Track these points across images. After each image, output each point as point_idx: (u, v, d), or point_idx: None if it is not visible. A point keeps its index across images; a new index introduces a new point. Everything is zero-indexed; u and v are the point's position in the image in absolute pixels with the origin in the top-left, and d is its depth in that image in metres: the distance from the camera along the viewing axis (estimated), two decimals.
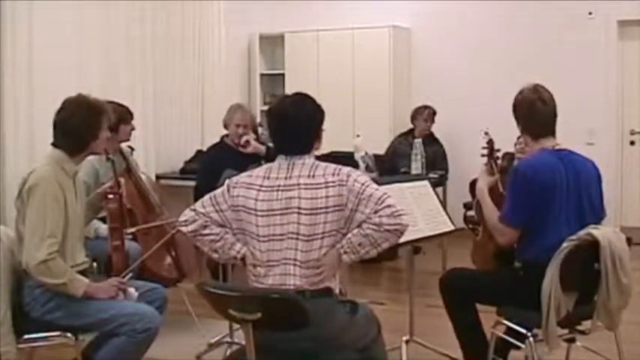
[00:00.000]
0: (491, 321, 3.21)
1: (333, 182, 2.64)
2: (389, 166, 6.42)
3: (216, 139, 4.91)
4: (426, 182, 3.88)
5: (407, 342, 3.89)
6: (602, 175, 3.26)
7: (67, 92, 3.26)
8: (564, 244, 2.92)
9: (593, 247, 2.94)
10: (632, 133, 6.94)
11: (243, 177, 2.77)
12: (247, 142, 4.63)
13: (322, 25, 7.64)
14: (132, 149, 4.51)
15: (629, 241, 3.09)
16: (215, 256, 2.80)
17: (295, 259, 2.62)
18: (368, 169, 5.80)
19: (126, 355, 2.98)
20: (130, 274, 3.38)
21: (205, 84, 6.84)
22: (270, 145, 3.85)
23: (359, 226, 2.62)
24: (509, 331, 3.17)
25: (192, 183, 5.05)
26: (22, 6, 4.91)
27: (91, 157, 3.66)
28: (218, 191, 2.79)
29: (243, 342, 2.54)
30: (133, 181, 4.19)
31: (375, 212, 2.59)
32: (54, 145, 3.13)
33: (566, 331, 3.10)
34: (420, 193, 3.73)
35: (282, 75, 7.91)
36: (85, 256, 3.24)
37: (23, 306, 3.04)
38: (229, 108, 4.82)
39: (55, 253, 2.94)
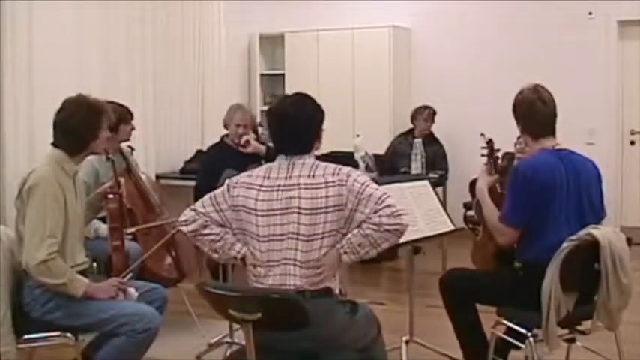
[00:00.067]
0: (491, 321, 3.21)
1: (333, 182, 2.64)
2: (389, 166, 6.42)
3: (216, 139, 4.91)
4: (426, 182, 3.88)
5: (407, 342, 3.89)
6: (602, 175, 3.26)
7: (67, 92, 3.26)
8: (564, 244, 2.92)
9: (593, 247, 2.94)
10: (632, 133, 6.94)
11: (243, 177, 2.77)
12: (247, 142, 4.63)
13: (322, 25, 7.64)
14: (132, 149, 4.51)
15: (629, 241, 3.09)
16: (215, 256, 2.80)
17: (295, 259, 2.62)
18: (368, 169, 5.80)
19: (126, 355, 2.98)
20: (130, 274, 3.38)
21: (205, 84, 6.84)
22: (270, 145, 3.85)
23: (359, 226, 2.62)
24: (509, 331, 3.17)
25: (192, 183, 5.04)
26: (22, 6, 4.91)
27: (91, 157, 3.66)
28: (218, 191, 2.79)
29: (243, 342, 2.54)
30: (133, 181, 4.19)
31: (375, 212, 2.59)
32: (54, 145, 3.13)
33: (566, 331, 3.10)
34: (420, 193, 3.73)
35: (282, 75, 7.91)
36: (85, 256, 3.24)
37: (23, 306, 3.04)
38: (229, 108, 4.82)
39: (55, 253, 2.94)
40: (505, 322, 3.14)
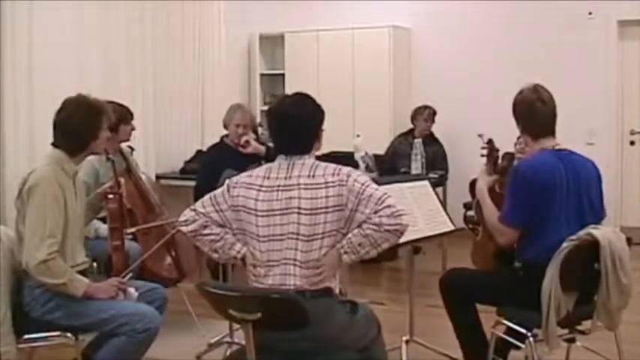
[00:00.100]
0: (491, 321, 3.21)
1: (333, 182, 2.64)
2: (389, 166, 6.42)
3: (216, 139, 4.91)
4: (426, 182, 3.88)
5: (407, 342, 3.89)
6: (602, 175, 3.26)
7: (67, 92, 3.26)
8: (564, 244, 2.92)
9: (593, 247, 2.94)
10: (632, 133, 6.94)
11: (243, 177, 2.77)
12: (247, 142, 4.63)
13: (322, 25, 7.63)
14: (132, 149, 4.51)
15: (629, 241, 3.09)
16: (215, 256, 2.80)
17: (295, 259, 2.62)
18: (368, 169, 5.80)
19: (126, 355, 2.98)
20: (130, 274, 3.38)
21: (205, 84, 6.84)
22: (270, 145, 3.85)
23: (359, 226, 2.62)
24: (509, 331, 3.17)
25: (192, 183, 5.05)
26: (22, 6, 4.91)
27: (91, 157, 3.66)
28: (218, 191, 2.79)
29: (243, 342, 2.54)
30: (133, 181, 4.19)
31: (375, 212, 2.59)
32: (54, 145, 3.14)
33: (566, 331, 3.10)
34: (420, 193, 3.73)
35: (282, 75, 7.91)
36: (85, 256, 3.24)
37: (23, 306, 3.04)
38: (229, 108, 4.82)
39: (55, 253, 2.94)
40: (505, 322, 3.14)
